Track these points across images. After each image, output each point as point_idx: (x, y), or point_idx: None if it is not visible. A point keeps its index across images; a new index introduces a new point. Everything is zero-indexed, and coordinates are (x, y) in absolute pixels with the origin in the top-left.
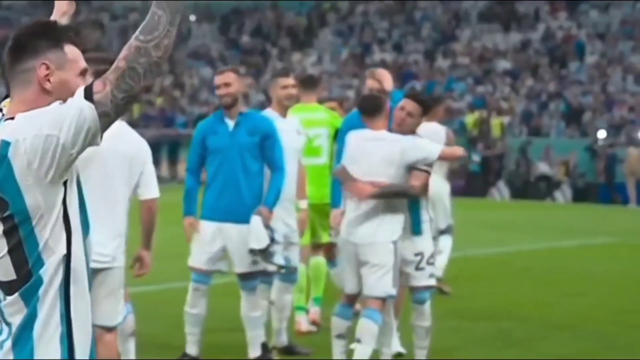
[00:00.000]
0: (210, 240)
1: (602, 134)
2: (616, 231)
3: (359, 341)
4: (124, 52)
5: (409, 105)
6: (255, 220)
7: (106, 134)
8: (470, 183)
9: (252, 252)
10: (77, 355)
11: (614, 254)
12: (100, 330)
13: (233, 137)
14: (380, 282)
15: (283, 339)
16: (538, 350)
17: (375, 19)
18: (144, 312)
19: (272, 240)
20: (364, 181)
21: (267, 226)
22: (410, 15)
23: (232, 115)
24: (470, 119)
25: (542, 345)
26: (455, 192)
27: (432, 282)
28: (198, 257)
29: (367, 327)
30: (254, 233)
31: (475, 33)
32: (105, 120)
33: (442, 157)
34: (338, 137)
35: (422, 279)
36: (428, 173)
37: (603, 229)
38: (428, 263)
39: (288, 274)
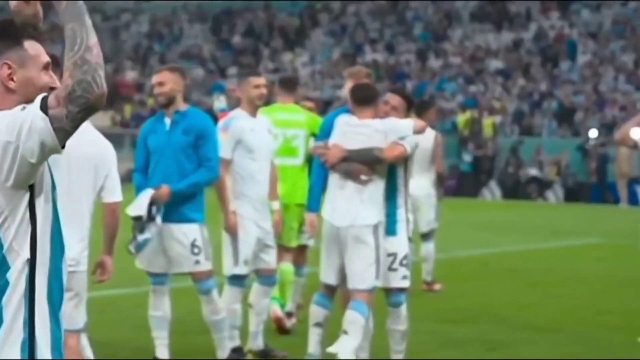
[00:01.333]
0: (155, 242)
1: (593, 133)
2: (605, 231)
3: (345, 332)
4: (65, 74)
5: (394, 99)
6: (146, 192)
7: (72, 137)
8: (461, 183)
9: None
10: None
11: (601, 254)
12: (64, 334)
13: (169, 136)
14: (364, 274)
15: (259, 343)
16: (517, 354)
17: (367, 19)
18: (116, 316)
19: (149, 217)
20: (334, 147)
21: (155, 203)
22: (401, 15)
23: (170, 115)
24: (461, 118)
25: (521, 348)
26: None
27: (406, 284)
28: (146, 260)
29: (353, 318)
30: (137, 200)
31: (466, 33)
32: (62, 134)
33: (416, 131)
34: (317, 138)
35: (395, 280)
36: (404, 147)
37: (592, 229)
38: (401, 264)
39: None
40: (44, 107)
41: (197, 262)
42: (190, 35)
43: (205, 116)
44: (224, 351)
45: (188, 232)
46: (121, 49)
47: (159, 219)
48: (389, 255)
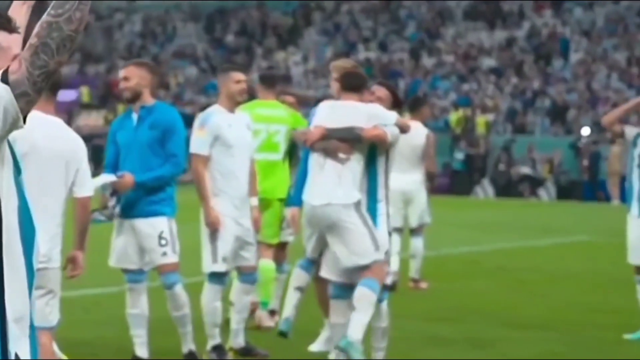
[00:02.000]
0: (125, 238)
1: (586, 131)
2: (596, 229)
3: (354, 309)
4: (36, 29)
5: (380, 91)
6: (109, 175)
7: (42, 132)
8: (454, 181)
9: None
10: (11, 348)
11: (591, 252)
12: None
13: (136, 132)
14: (360, 249)
15: (240, 341)
16: (502, 352)
17: (361, 18)
18: (100, 316)
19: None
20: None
21: (115, 192)
22: (395, 13)
23: (136, 110)
24: (454, 117)
25: (506, 347)
26: (439, 191)
27: (387, 280)
28: (118, 257)
29: (361, 294)
30: (97, 179)
31: (460, 31)
32: (25, 100)
33: (399, 126)
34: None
35: None
36: (385, 132)
37: (583, 227)
38: None
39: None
40: (4, 79)
41: (164, 253)
42: (183, 34)
43: (172, 111)
44: (185, 346)
45: (156, 224)
46: (114, 49)
47: (117, 209)
48: None
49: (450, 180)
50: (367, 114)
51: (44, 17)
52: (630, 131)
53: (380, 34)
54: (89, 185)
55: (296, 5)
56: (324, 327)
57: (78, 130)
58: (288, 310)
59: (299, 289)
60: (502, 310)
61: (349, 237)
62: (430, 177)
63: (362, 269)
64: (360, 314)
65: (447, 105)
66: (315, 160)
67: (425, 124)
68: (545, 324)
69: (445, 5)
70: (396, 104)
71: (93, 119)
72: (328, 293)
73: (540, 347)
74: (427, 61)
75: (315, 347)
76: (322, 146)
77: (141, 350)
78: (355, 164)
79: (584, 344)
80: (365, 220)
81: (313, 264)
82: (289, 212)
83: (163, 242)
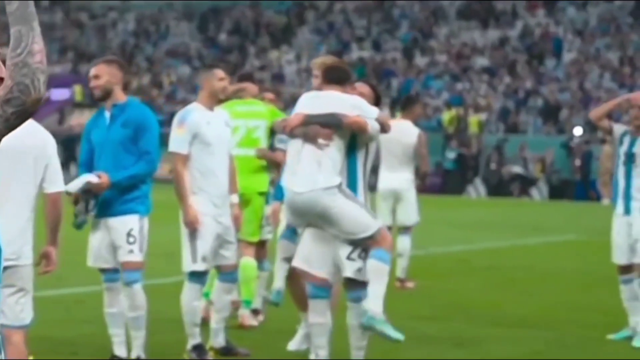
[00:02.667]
0: (100, 237)
1: (578, 131)
2: (585, 228)
3: (367, 282)
4: (7, 73)
5: (362, 87)
6: (88, 175)
7: None
8: (446, 181)
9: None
10: None
11: (580, 251)
12: (8, 331)
13: (108, 131)
14: (358, 223)
15: (220, 340)
16: (486, 351)
17: (354, 17)
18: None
19: (86, 208)
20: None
21: (90, 191)
22: (388, 12)
23: (108, 108)
24: (446, 116)
25: (490, 345)
26: (432, 190)
27: (361, 276)
28: (93, 257)
29: (373, 267)
30: (77, 179)
31: (453, 30)
32: None
33: (380, 122)
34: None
35: (350, 270)
36: (366, 122)
37: (573, 226)
38: (359, 256)
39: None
40: None
41: (131, 251)
42: (177, 33)
43: (144, 108)
44: (135, 350)
45: (127, 222)
46: (108, 47)
47: (94, 211)
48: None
49: (442, 179)
50: (350, 104)
51: (7, 62)
52: (618, 129)
53: (373, 33)
54: (59, 181)
55: (290, 4)
56: (300, 324)
57: (71, 129)
58: (278, 282)
59: (287, 259)
60: (488, 309)
61: (343, 219)
62: (422, 177)
63: (357, 244)
64: (375, 285)
65: (439, 105)
66: (293, 148)
67: (418, 123)
68: (531, 322)
69: (439, 5)
70: (377, 102)
71: (86, 118)
72: (302, 289)
73: (525, 346)
74: (420, 60)
75: (292, 345)
76: (302, 131)
77: (120, 350)
78: (335, 151)
79: (567, 343)
80: (350, 197)
81: (296, 233)
82: (270, 207)
83: (131, 239)
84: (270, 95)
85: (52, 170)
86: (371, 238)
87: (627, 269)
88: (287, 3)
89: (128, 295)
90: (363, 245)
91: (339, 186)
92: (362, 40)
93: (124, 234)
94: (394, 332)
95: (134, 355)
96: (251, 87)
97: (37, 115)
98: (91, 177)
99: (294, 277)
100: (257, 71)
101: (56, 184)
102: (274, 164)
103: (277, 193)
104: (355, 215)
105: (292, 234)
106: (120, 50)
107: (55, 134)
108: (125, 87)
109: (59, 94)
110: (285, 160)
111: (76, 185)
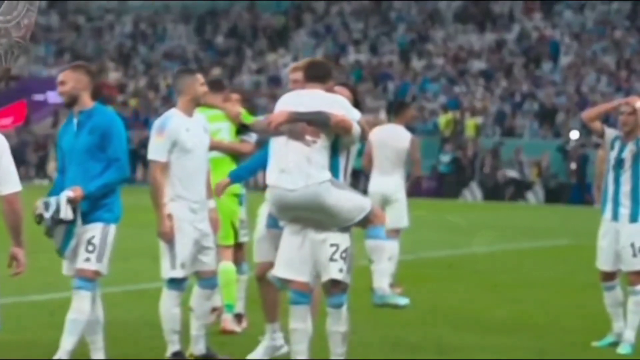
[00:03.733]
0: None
1: (574, 134)
2: (579, 233)
3: (371, 262)
4: None
5: (342, 90)
6: (64, 194)
7: None
8: (442, 184)
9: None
10: None
11: (570, 255)
12: None
13: (76, 138)
14: (353, 207)
15: (201, 347)
16: (466, 358)
17: (351, 20)
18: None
19: (57, 217)
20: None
21: (70, 203)
22: (385, 15)
23: (76, 115)
24: (443, 119)
25: (471, 352)
26: (427, 193)
27: (342, 277)
28: (66, 264)
29: (372, 246)
30: (61, 205)
31: (449, 33)
32: None
33: (361, 125)
34: None
35: (333, 271)
36: (352, 123)
37: (565, 230)
38: (341, 257)
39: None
40: None
41: (87, 259)
42: (173, 35)
43: (110, 114)
44: (59, 352)
45: (89, 230)
46: (105, 50)
47: (79, 220)
48: (332, 245)
49: (437, 183)
50: (334, 101)
51: None
52: (610, 133)
53: (370, 36)
54: (12, 181)
55: (287, 7)
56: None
57: None
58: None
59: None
60: (471, 314)
61: (342, 209)
62: (415, 181)
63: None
64: (378, 264)
65: (436, 108)
66: (277, 145)
67: (414, 127)
68: (513, 328)
69: (436, 8)
70: (357, 106)
71: None
72: (273, 299)
73: (507, 353)
74: (417, 63)
75: (253, 355)
76: (287, 128)
77: (97, 354)
78: (322, 148)
79: (549, 350)
80: (340, 185)
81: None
82: (224, 180)
83: (90, 247)
84: (236, 95)
85: (4, 170)
86: (364, 218)
87: (610, 275)
88: (284, 5)
89: (74, 298)
90: (347, 242)
91: (331, 180)
92: (359, 43)
93: (85, 241)
94: (402, 299)
95: (55, 355)
96: (234, 95)
97: (33, 118)
98: (68, 194)
99: (267, 284)
100: (254, 74)
101: (10, 184)
102: (240, 155)
103: (236, 174)
104: (351, 201)
105: (274, 221)
106: (117, 53)
107: (50, 137)
108: (95, 93)
109: (55, 97)
110: (251, 151)
111: (65, 210)
